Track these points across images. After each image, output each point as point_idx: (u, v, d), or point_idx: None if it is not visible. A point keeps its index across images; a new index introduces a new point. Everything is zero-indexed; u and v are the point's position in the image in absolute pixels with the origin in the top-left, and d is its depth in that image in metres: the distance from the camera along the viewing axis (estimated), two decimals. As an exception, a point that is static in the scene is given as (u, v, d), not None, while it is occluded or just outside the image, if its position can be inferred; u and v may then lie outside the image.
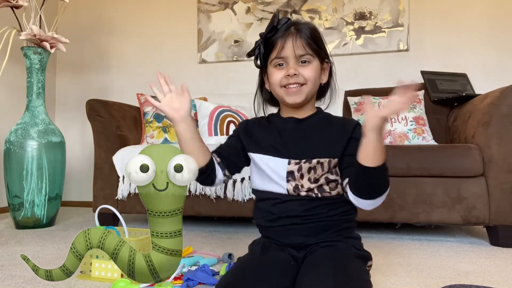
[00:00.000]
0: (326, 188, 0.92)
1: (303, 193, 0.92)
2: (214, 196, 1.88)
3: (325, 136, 0.95)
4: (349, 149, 0.92)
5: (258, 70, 1.03)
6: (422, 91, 2.27)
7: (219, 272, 1.18)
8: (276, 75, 0.95)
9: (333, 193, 0.93)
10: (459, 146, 1.72)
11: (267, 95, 1.05)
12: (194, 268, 1.22)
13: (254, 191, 1.02)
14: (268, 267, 0.86)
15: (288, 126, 0.98)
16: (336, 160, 0.92)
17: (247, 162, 1.04)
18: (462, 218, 1.67)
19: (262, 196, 0.99)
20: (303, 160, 0.92)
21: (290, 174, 0.93)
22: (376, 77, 2.63)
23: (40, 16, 2.23)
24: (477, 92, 2.31)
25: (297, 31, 0.93)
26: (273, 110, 1.08)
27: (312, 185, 0.91)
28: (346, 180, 0.90)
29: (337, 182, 0.93)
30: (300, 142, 0.95)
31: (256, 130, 1.02)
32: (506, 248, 1.61)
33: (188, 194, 1.93)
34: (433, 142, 2.04)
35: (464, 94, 2.10)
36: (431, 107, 2.23)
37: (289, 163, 0.93)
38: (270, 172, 0.95)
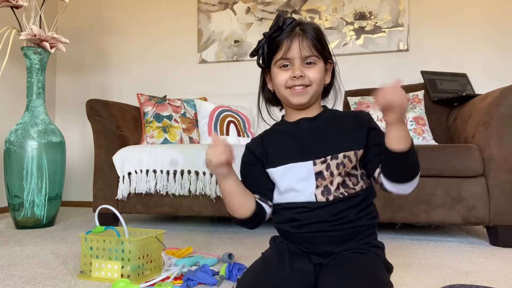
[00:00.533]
0: (350, 184, 0.90)
1: (331, 197, 0.88)
2: (214, 196, 1.88)
3: (342, 129, 0.92)
4: (371, 139, 0.90)
5: (258, 70, 1.03)
6: (422, 91, 2.27)
7: (219, 272, 1.18)
8: (281, 76, 0.93)
9: (357, 188, 0.90)
10: (459, 146, 1.72)
11: (269, 95, 1.02)
12: (194, 268, 1.22)
13: (274, 204, 0.98)
14: (290, 280, 0.85)
15: (302, 128, 0.95)
16: (361, 151, 0.90)
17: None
18: (462, 218, 1.67)
19: (285, 206, 0.94)
20: (329, 157, 0.89)
21: (319, 175, 0.89)
22: (376, 77, 2.63)
23: (40, 16, 2.23)
24: (477, 92, 2.31)
25: (303, 32, 0.92)
26: (275, 110, 1.06)
27: (338, 179, 0.89)
28: (378, 170, 0.88)
29: (357, 177, 0.91)
30: (319, 139, 0.92)
31: (268, 144, 0.98)
32: (506, 248, 1.61)
33: (188, 194, 1.93)
34: (433, 142, 2.04)
35: (464, 94, 2.11)
36: (431, 107, 2.23)
37: (314, 164, 0.89)
38: (294, 182, 0.91)
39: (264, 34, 0.95)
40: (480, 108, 1.77)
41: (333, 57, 0.98)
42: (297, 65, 0.91)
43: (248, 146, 1.01)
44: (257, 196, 0.95)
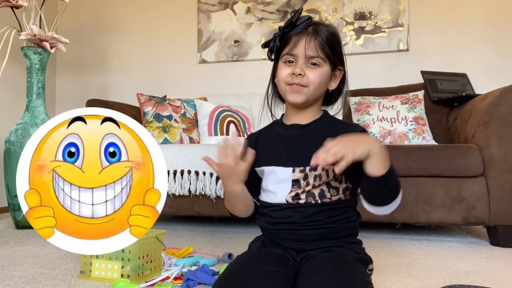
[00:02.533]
0: (327, 194, 0.91)
1: (302, 201, 0.91)
2: (214, 196, 1.88)
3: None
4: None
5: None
6: (422, 91, 2.27)
7: (219, 272, 1.18)
8: (283, 71, 0.94)
9: (334, 199, 0.91)
10: (459, 146, 1.72)
11: (276, 89, 1.03)
12: (194, 268, 1.22)
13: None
14: (265, 260, 0.86)
15: (292, 133, 0.97)
16: None
17: None
18: (462, 218, 1.67)
19: (262, 204, 0.99)
20: (308, 168, 0.91)
21: (295, 182, 0.91)
22: (376, 77, 2.63)
23: (40, 16, 2.23)
24: (477, 92, 2.31)
25: (314, 32, 0.92)
26: (280, 105, 1.07)
27: (314, 190, 0.91)
28: (359, 190, 0.89)
29: (338, 190, 0.92)
30: (304, 149, 0.93)
31: (261, 142, 1.01)
32: (506, 248, 1.61)
33: (188, 194, 1.93)
34: (433, 142, 2.04)
35: (464, 94, 2.10)
36: (431, 107, 2.23)
37: (293, 171, 0.92)
38: (272, 183, 0.95)
39: (279, 28, 0.96)
40: (480, 108, 1.77)
41: (345, 65, 0.98)
42: (299, 63, 0.92)
43: (246, 141, 1.05)
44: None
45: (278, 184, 0.93)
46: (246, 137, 1.07)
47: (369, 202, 0.86)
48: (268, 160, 0.96)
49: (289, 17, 0.95)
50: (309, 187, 0.91)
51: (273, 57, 0.98)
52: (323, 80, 0.93)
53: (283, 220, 0.92)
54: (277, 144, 0.97)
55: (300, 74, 0.91)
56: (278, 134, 0.99)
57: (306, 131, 0.96)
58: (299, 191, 0.91)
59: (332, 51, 0.93)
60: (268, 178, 0.96)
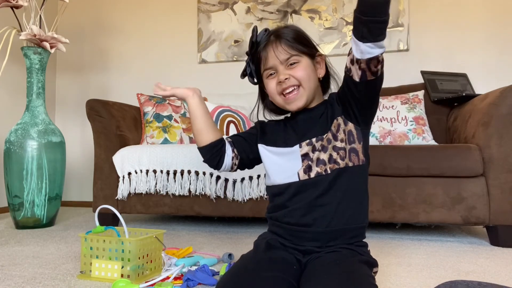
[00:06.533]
0: (337, 157, 0.92)
1: (313, 173, 0.91)
2: (214, 196, 1.88)
3: (330, 113, 0.96)
4: (343, 93, 0.92)
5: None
6: (422, 91, 2.27)
7: (219, 272, 1.18)
8: (271, 85, 0.96)
9: (342, 164, 0.91)
10: (459, 146, 1.72)
11: (272, 107, 1.05)
12: (194, 268, 1.23)
13: (267, 187, 1.04)
14: (269, 266, 0.85)
15: (299, 118, 0.99)
16: (341, 117, 0.93)
17: (258, 154, 1.04)
18: (462, 218, 1.67)
19: (274, 191, 0.99)
20: (314, 139, 0.93)
21: (305, 156, 0.94)
22: (376, 77, 2.63)
23: (40, 16, 2.23)
24: (477, 92, 2.31)
25: (276, 37, 0.95)
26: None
27: (323, 156, 0.92)
28: (349, 56, 0.88)
29: (345, 150, 0.92)
30: (309, 126, 0.96)
31: (272, 126, 1.04)
32: (506, 248, 1.61)
33: (188, 194, 1.93)
34: (433, 142, 2.04)
35: (464, 94, 2.10)
36: (431, 107, 2.23)
37: (300, 147, 0.94)
38: (281, 163, 0.96)
39: (246, 53, 1.00)
40: (480, 108, 1.77)
41: (319, 50, 1.00)
42: (280, 70, 0.94)
43: (257, 122, 1.09)
44: (229, 140, 1.05)
45: (288, 163, 0.95)
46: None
47: (363, 38, 0.82)
48: (275, 142, 0.99)
49: (253, 35, 0.97)
50: (317, 153, 0.92)
51: (255, 80, 1.02)
52: (309, 72, 0.95)
53: (295, 205, 0.92)
54: (286, 128, 1.00)
55: (286, 78, 0.93)
56: (287, 121, 1.02)
57: (312, 113, 0.98)
58: (311, 163, 0.93)
59: (302, 43, 0.95)
60: (275, 158, 0.98)
